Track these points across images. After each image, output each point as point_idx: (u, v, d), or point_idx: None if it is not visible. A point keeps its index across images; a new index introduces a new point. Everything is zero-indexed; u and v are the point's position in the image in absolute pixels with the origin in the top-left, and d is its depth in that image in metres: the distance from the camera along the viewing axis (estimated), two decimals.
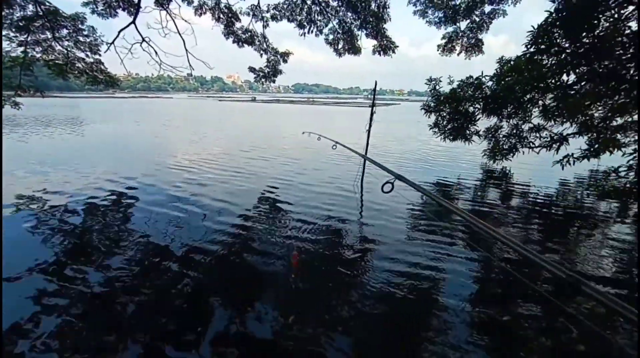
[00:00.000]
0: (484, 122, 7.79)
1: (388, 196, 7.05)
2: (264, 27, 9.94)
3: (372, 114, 6.94)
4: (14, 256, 4.11)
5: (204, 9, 9.21)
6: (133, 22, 7.96)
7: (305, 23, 9.82)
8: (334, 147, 7.06)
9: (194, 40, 9.09)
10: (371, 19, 8.46)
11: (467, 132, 7.71)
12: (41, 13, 7.73)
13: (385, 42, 8.86)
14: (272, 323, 3.03)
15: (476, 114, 7.49)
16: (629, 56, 5.56)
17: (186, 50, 8.52)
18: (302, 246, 4.61)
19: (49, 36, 8.13)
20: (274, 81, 9.92)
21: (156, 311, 3.18)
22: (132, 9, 8.32)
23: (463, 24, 8.46)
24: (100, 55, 8.60)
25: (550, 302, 3.37)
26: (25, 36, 7.74)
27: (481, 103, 7.27)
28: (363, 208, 6.37)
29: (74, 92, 72.81)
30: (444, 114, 7.82)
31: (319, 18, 9.81)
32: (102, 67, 8.64)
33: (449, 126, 7.82)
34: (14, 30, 7.51)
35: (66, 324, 2.95)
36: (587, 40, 5.88)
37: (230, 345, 2.77)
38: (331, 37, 10.10)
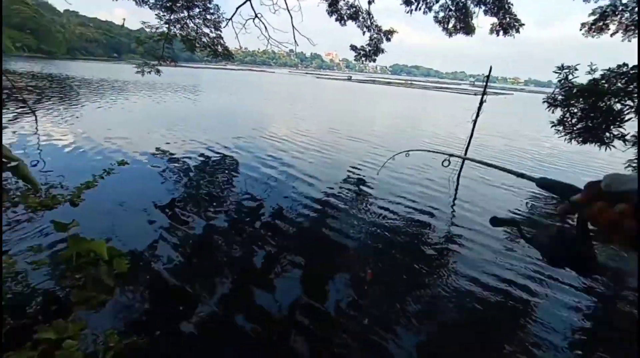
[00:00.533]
0: (633, 124, 6.16)
1: (490, 197, 6.38)
2: (370, 3, 9.62)
3: (481, 103, 6.18)
4: (139, 194, 5.16)
5: None
6: None
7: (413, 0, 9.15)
8: (446, 164, 6.58)
9: (300, 17, 9.42)
10: None
11: (607, 135, 6.22)
12: None
13: (507, 19, 7.63)
14: (341, 316, 3.13)
15: (625, 112, 5.95)
16: None
17: (293, 26, 8.89)
18: (381, 236, 4.56)
19: (185, 14, 9.49)
20: (374, 60, 9.66)
21: (243, 260, 3.62)
22: None
23: None
24: (220, 31, 9.66)
25: None
26: (169, 15, 9.18)
27: (635, 99, 5.73)
28: (456, 206, 5.89)
29: (195, 63, 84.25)
30: (575, 111, 6.46)
31: None
32: (222, 41, 9.72)
33: (580, 125, 6.45)
34: (162, 10, 8.97)
35: (169, 254, 3.61)
36: None
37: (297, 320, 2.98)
38: (441, 14, 9.23)
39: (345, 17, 10.06)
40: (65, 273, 2.94)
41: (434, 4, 9.20)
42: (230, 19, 9.58)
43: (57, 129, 8.90)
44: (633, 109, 5.69)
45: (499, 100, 42.36)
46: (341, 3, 9.92)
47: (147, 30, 8.76)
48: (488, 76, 6.21)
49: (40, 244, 3.36)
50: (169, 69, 10.56)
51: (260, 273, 3.45)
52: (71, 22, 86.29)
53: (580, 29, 7.19)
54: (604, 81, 6.02)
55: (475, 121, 6.52)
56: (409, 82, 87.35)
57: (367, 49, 9.58)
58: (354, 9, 9.88)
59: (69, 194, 4.65)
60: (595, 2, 7.01)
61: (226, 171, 6.79)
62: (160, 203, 4.89)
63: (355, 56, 9.64)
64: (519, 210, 5.96)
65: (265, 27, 9.38)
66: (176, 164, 6.86)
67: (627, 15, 6.66)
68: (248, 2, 9.22)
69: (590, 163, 9.91)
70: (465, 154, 7.03)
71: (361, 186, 6.44)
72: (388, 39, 9.51)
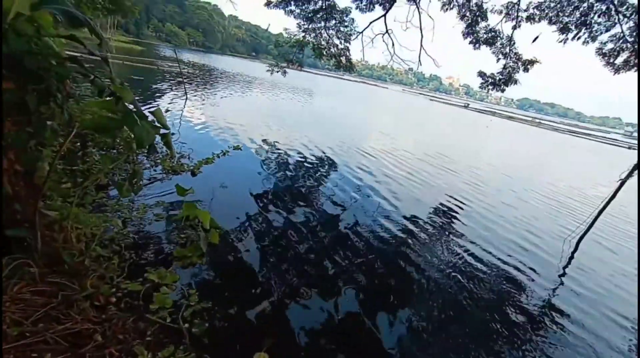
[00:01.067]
0: None
1: (614, 272, 4.97)
2: (514, 28, 8.63)
3: None
4: (243, 178, 5.74)
5: (451, 4, 8.94)
6: (385, 14, 8.78)
7: (572, 26, 7.81)
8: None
9: (432, 37, 9.10)
10: None
11: None
12: (324, 7, 9.81)
13: None
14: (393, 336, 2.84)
15: None
16: None
17: (421, 45, 8.67)
18: (461, 286, 3.99)
19: (322, 25, 10.29)
20: (503, 91, 8.60)
21: (311, 263, 3.64)
22: (386, 4, 9.17)
23: None
24: (349, 43, 10.11)
25: None
26: (308, 24, 10.10)
27: None
28: (566, 275, 4.76)
29: (317, 69, 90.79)
30: None
31: (599, 20, 7.53)
32: (348, 53, 10.17)
33: None
34: (304, 20, 9.93)
35: (251, 239, 3.87)
36: None
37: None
38: (609, 46, 7.63)
39: (481, 41, 9.29)
40: (175, 230, 3.49)
41: (602, 33, 7.69)
42: (362, 32, 9.96)
43: (197, 110, 10.77)
44: None
45: None
46: (481, 25, 9.20)
47: (286, 35, 9.85)
48: None
49: (164, 201, 4.08)
50: (293, 72, 11.61)
51: (324, 281, 3.41)
52: (230, 24, 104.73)
53: None
54: None
55: (624, 181, 5.15)
56: (537, 120, 75.50)
57: (498, 78, 8.59)
58: (493, 33, 9.04)
59: (192, 166, 5.53)
60: None
61: (318, 173, 7.05)
62: (257, 190, 5.37)
63: (481, 83, 8.76)
64: None
65: (393, 43, 9.43)
66: (278, 158, 7.48)
67: None
68: (382, 18, 9.43)
69: None
70: (597, 216, 5.63)
71: (452, 224, 5.80)
72: (526, 70, 8.31)
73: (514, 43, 8.58)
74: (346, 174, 7.27)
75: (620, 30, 7.31)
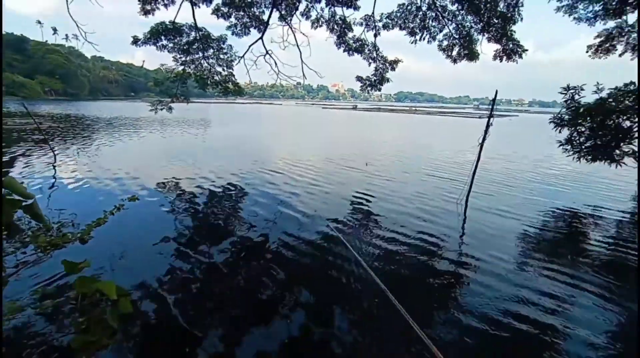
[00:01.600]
0: None
1: (498, 216, 6.16)
2: (375, 36, 10.02)
3: (488, 126, 6.16)
4: (148, 229, 5.15)
5: (320, 22, 9.86)
6: (261, 37, 9.09)
7: (417, 30, 9.48)
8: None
9: (309, 51, 9.82)
10: (496, 21, 7.55)
11: (617, 152, 6.08)
12: (198, 37, 9.58)
13: (511, 45, 7.79)
14: (352, 338, 2.94)
15: (634, 129, 5.84)
16: None
17: (302, 61, 9.26)
18: (392, 262, 4.39)
19: (200, 55, 10.03)
20: (380, 89, 9.88)
21: (246, 297, 3.47)
22: (261, 27, 9.53)
23: (632, 17, 6.64)
24: (232, 69, 10.11)
25: None
26: (186, 57, 9.72)
27: None
28: (466, 228, 5.69)
29: (206, 98, 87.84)
30: (582, 129, 6.38)
31: (434, 24, 9.34)
32: (233, 79, 10.13)
33: (588, 144, 6.34)
34: (180, 53, 9.51)
35: (174, 291, 3.50)
36: None
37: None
38: (445, 43, 9.49)
39: (352, 50, 10.46)
40: (69, 316, 2.87)
41: (438, 34, 9.52)
42: (242, 56, 10.07)
43: (71, 168, 9.18)
44: None
45: (504, 122, 42.42)
46: (349, 36, 10.38)
47: (164, 72, 9.25)
48: (494, 100, 6.24)
49: (46, 286, 3.32)
50: (181, 105, 10.98)
51: (263, 311, 3.30)
52: (96, 66, 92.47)
53: (587, 51, 7.26)
54: (611, 100, 5.97)
55: (482, 144, 6.45)
56: (414, 108, 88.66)
57: (373, 79, 9.83)
58: (360, 42, 10.29)
59: (79, 232, 4.64)
60: (604, 24, 7.08)
61: (228, 203, 6.80)
62: (167, 238, 4.86)
63: (361, 86, 9.89)
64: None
65: (275, 63, 9.80)
66: (183, 199, 6.91)
67: (634, 35, 6.72)
68: (260, 41, 9.72)
69: (594, 182, 9.48)
70: (472, 178, 6.90)
71: (370, 214, 6.32)
72: (393, 69, 9.77)
73: (379, 48, 9.93)
74: (257, 197, 7.16)
75: (449, 30, 9.20)
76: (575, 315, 3.39)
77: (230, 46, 9.91)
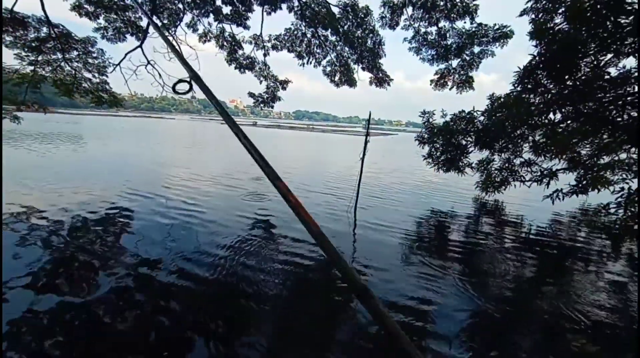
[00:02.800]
0: (477, 155, 8.00)
1: (385, 222, 7.11)
2: (265, 55, 10.43)
3: (365, 143, 7.12)
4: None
5: (208, 37, 9.69)
6: (140, 46, 8.33)
7: (304, 54, 10.31)
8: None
9: (198, 65, 9.44)
10: (367, 54, 8.90)
11: (460, 164, 7.87)
12: (54, 35, 8.08)
13: (380, 75, 9.26)
14: (258, 347, 2.94)
15: (468, 146, 7.69)
16: (610, 98, 5.85)
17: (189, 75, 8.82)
18: (291, 266, 4.56)
19: (59, 57, 8.45)
20: (272, 107, 10.23)
21: (143, 332, 3.08)
22: (139, 34, 8.72)
23: (455, 62, 8.95)
24: (106, 76, 8.88)
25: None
26: (36, 56, 8.03)
27: (473, 136, 7.50)
28: (357, 237, 6.36)
29: (78, 109, 74.03)
30: (437, 146, 8.02)
31: (318, 51, 10.32)
32: (108, 87, 8.89)
33: (442, 157, 8.00)
34: (25, 50, 7.80)
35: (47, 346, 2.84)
36: (570, 83, 6.20)
37: None
38: (329, 69, 10.58)
39: (244, 67, 10.58)
40: None
41: (322, 59, 10.54)
42: (118, 64, 8.95)
43: None
44: (473, 143, 7.40)
45: (387, 140, 49.26)
46: (239, 53, 10.45)
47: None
48: (368, 120, 7.30)
49: None
50: (38, 116, 8.97)
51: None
52: None
53: (430, 84, 9.31)
54: (452, 123, 7.72)
55: (362, 159, 7.39)
56: (311, 126, 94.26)
57: (265, 97, 10.14)
58: (250, 59, 10.50)
59: None
60: (438, 66, 9.24)
61: (112, 230, 5.87)
62: (28, 281, 3.85)
63: (254, 103, 10.06)
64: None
65: (160, 74, 9.06)
66: (50, 229, 5.61)
67: (457, 76, 9.00)
68: (139, 49, 8.83)
69: (453, 188, 12.10)
70: (358, 188, 7.79)
71: (266, 227, 6.41)
72: (284, 88, 10.30)
73: (269, 67, 10.33)
74: (152, 219, 6.42)
75: (331, 57, 10.33)
76: (444, 294, 4.19)
77: (102, 50, 8.72)
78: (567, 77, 6.11)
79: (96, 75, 8.90)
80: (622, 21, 5.00)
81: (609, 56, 5.85)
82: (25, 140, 18.72)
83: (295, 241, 5.73)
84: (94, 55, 8.79)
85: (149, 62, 8.61)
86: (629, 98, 5.91)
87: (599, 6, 4.97)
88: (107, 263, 4.49)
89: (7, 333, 2.95)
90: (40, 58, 8.00)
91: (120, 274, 4.20)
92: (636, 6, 4.87)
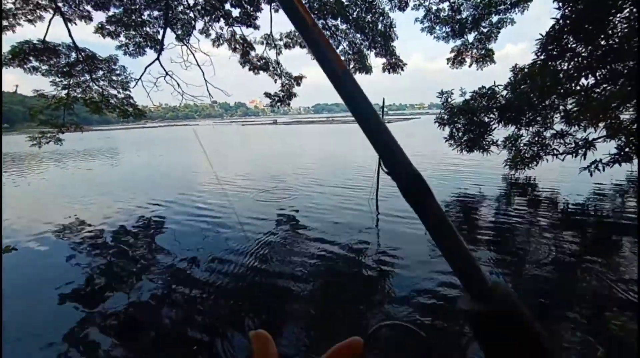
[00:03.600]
0: (502, 132, 7.60)
1: (404, 213, 6.98)
2: (277, 54, 10.48)
3: None
4: (52, 276, 4.46)
5: (221, 41, 9.89)
6: (157, 58, 8.68)
7: None
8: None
9: (213, 71, 9.71)
10: (379, 39, 8.69)
11: (484, 142, 7.54)
12: (81, 58, 8.64)
13: (394, 60, 9.02)
14: (291, 343, 3.06)
15: (492, 124, 7.35)
16: None
17: (205, 80, 9.12)
18: (321, 262, 4.65)
19: (87, 78, 9.03)
20: (289, 104, 10.30)
21: (180, 333, 3.31)
22: (157, 47, 9.10)
23: (471, 37, 8.49)
24: (130, 91, 9.37)
25: None
26: (68, 80, 8.64)
27: (496, 113, 7.15)
28: (380, 223, 6.32)
29: (110, 125, 78.83)
30: (459, 126, 7.73)
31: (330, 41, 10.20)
32: (132, 101, 9.39)
33: (465, 138, 7.71)
34: (59, 76, 8.41)
35: (93, 345, 3.14)
36: (604, 43, 5.70)
37: None
38: (342, 58, 10.42)
39: (257, 68, 10.72)
40: None
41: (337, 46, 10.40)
42: (140, 78, 9.41)
43: None
44: (497, 120, 7.05)
45: (409, 124, 47.98)
46: (252, 54, 10.60)
47: (41, 99, 8.02)
48: (382, 107, 7.16)
49: None
50: (81, 135, 9.71)
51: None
52: None
53: (447, 63, 8.92)
54: (473, 101, 7.40)
55: None
56: (330, 118, 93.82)
57: (281, 95, 10.21)
58: (263, 60, 10.62)
59: None
60: (454, 42, 8.83)
61: (150, 236, 6.27)
62: (72, 287, 4.26)
63: (270, 102, 10.17)
64: None
65: (178, 84, 9.42)
66: (91, 239, 6.11)
67: (475, 51, 8.55)
68: (157, 62, 9.23)
69: (479, 168, 11.57)
70: (377, 178, 7.65)
71: (294, 223, 6.54)
72: (298, 84, 10.32)
73: (281, 65, 10.39)
74: (181, 225, 6.76)
75: (344, 47, 10.16)
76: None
77: (124, 66, 9.20)
78: (599, 37, 5.62)
79: (120, 91, 9.41)
80: None
81: None
82: (66, 159, 20.28)
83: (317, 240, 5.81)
84: (117, 72, 9.30)
85: (167, 73, 8.98)
86: None
87: None
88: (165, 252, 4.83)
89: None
90: (71, 81, 8.59)
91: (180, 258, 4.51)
92: None
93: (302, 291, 3.94)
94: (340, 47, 10.27)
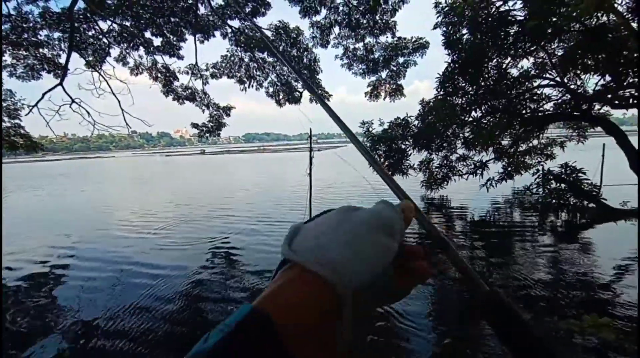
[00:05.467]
0: (418, 157, 8.58)
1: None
2: (204, 84, 10.27)
3: (310, 158, 7.28)
4: None
5: (140, 69, 9.31)
6: (60, 84, 7.70)
7: (245, 79, 10.35)
8: None
9: (132, 99, 8.93)
10: (305, 72, 9.24)
11: (403, 167, 8.38)
12: None
13: (319, 91, 9.64)
14: None
15: (407, 150, 8.26)
16: (514, 95, 6.77)
17: (122, 109, 8.36)
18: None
19: None
20: (218, 135, 10.01)
21: None
22: (58, 72, 8.10)
23: (384, 73, 9.69)
24: (20, 119, 7.97)
25: None
26: None
27: (411, 140, 8.08)
28: None
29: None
30: (380, 153, 8.49)
31: (258, 73, 10.45)
32: (22, 131, 7.95)
33: (387, 163, 8.47)
34: None
35: None
36: (483, 84, 7.05)
37: None
38: (271, 89, 10.74)
39: (182, 98, 10.27)
40: None
41: (263, 81, 10.65)
42: (35, 106, 8.11)
43: None
44: (412, 146, 7.98)
45: (336, 152, 50.56)
46: (176, 84, 10.14)
47: None
48: (310, 137, 7.51)
49: None
50: None
51: None
52: None
53: (365, 96, 9.94)
54: (390, 130, 8.26)
55: (310, 175, 7.51)
56: (262, 147, 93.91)
57: (210, 125, 9.90)
58: (189, 90, 10.25)
59: None
60: (369, 78, 9.94)
61: (48, 290, 5.19)
62: None
63: (198, 133, 9.76)
64: None
65: (88, 112, 8.38)
66: None
67: (388, 86, 9.78)
68: (60, 87, 8.13)
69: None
70: (310, 203, 7.79)
71: (229, 255, 6.17)
72: (227, 114, 10.16)
73: (209, 95, 10.18)
74: (99, 267, 5.79)
75: (272, 79, 10.50)
76: None
77: (10, 91, 7.84)
78: (479, 79, 6.95)
79: (7, 119, 7.93)
80: (511, 30, 5.89)
81: (509, 59, 6.81)
82: None
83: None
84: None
85: (73, 101, 7.95)
86: (527, 94, 6.91)
87: (490, 19, 5.81)
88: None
89: None
90: None
91: None
92: (519, 17, 5.78)
93: None
94: (269, 79, 10.60)
